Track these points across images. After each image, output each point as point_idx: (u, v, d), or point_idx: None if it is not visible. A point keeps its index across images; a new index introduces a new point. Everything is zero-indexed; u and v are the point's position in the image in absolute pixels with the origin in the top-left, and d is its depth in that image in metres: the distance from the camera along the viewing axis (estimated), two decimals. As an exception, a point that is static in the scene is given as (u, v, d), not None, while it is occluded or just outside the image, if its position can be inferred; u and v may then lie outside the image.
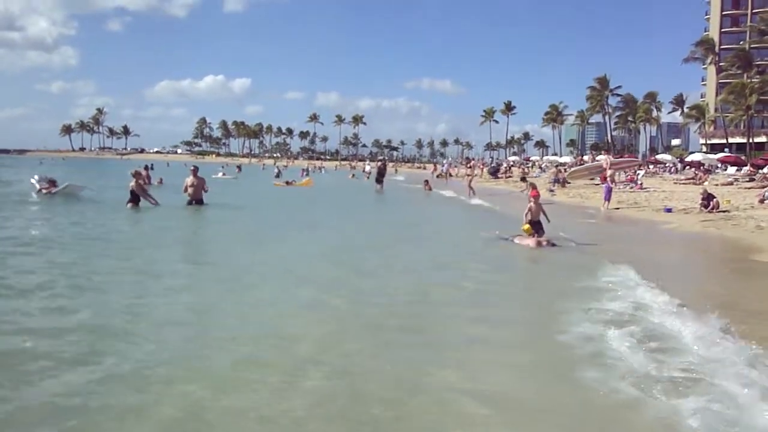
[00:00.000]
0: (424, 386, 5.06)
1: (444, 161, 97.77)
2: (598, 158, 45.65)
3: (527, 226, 13.91)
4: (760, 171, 44.16)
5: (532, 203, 14.32)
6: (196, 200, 19.96)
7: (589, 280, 9.43)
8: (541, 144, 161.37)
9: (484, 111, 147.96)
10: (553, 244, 13.30)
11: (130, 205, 18.80)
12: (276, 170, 59.37)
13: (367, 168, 67.78)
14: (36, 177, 23.95)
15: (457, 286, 9.12)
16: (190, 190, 19.98)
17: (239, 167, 72.62)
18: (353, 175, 64.29)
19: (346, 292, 8.34)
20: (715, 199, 21.53)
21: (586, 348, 6.00)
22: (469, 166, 58.51)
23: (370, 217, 22.69)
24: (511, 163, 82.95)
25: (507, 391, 5.06)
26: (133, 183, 19.20)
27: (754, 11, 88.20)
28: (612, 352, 5.81)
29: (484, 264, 11.41)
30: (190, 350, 5.77)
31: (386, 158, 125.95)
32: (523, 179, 33.94)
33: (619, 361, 5.56)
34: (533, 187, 16.16)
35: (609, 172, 33.30)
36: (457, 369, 5.50)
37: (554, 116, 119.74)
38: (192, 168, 20.90)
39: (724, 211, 20.67)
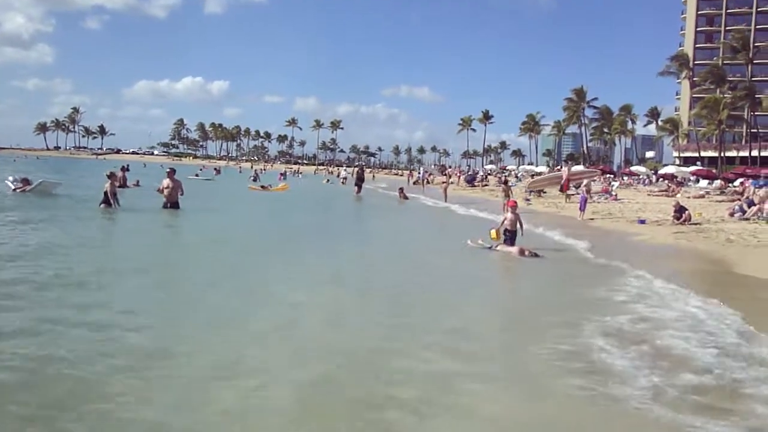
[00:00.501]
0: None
1: (420, 168, 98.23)
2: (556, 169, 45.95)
3: (494, 232, 14.15)
4: (731, 185, 45.08)
5: (509, 213, 14.50)
6: (172, 203, 19.56)
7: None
8: (517, 153, 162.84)
9: (462, 119, 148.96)
10: (536, 255, 13.46)
11: (103, 206, 18.67)
12: (253, 173, 59.14)
13: (343, 174, 67.64)
14: (10, 178, 23.98)
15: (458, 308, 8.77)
16: (165, 192, 19.61)
17: (218, 170, 72.47)
18: (328, 180, 64.21)
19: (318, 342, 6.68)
20: (687, 212, 21.93)
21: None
22: (444, 173, 58.97)
23: (350, 228, 21.94)
24: (488, 171, 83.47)
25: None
26: (108, 185, 19.01)
27: (727, 29, 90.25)
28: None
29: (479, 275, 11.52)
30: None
31: (364, 164, 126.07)
32: (506, 182, 34.24)
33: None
34: (508, 195, 16.42)
35: (585, 183, 33.70)
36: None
37: (531, 126, 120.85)
38: (168, 170, 20.51)
39: (695, 224, 21.06)
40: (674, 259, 14.93)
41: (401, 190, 38.85)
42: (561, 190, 32.85)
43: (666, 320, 8.04)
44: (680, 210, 22.05)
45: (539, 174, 66.49)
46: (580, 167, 38.71)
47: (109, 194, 18.83)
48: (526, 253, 13.37)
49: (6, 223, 14.55)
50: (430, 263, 12.82)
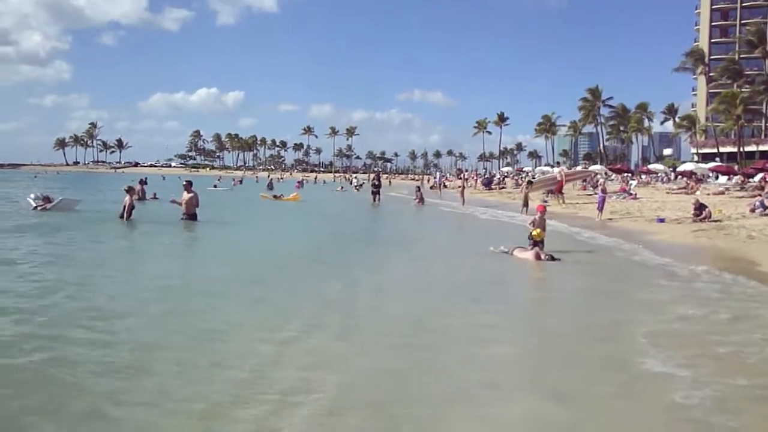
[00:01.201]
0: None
1: (437, 173, 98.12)
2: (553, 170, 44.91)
3: (537, 231, 13.71)
4: (751, 180, 44.55)
5: (537, 216, 14.28)
6: (189, 215, 19.69)
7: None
8: (534, 155, 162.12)
9: (477, 122, 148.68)
10: (552, 258, 13.25)
11: (123, 219, 18.94)
12: (268, 182, 59.23)
13: (355, 181, 67.29)
14: (32, 195, 24.32)
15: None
16: (184, 206, 19.79)
17: (241, 180, 73.11)
18: (342, 187, 64.07)
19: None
20: (707, 209, 21.74)
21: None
22: (460, 177, 58.97)
23: (373, 238, 20.66)
24: (504, 174, 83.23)
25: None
26: (127, 199, 19.25)
27: (742, 22, 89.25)
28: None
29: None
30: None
31: (380, 170, 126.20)
32: (530, 182, 34.04)
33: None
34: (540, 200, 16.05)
35: (602, 183, 33.56)
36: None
37: (547, 127, 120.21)
38: (185, 183, 20.63)
39: (716, 221, 20.87)
40: (696, 258, 14.80)
41: (418, 189, 38.44)
42: (555, 192, 32.32)
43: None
44: (700, 208, 21.88)
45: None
46: (563, 170, 37.76)
47: (127, 207, 19.08)
48: (543, 257, 13.12)
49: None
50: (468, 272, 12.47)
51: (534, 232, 13.77)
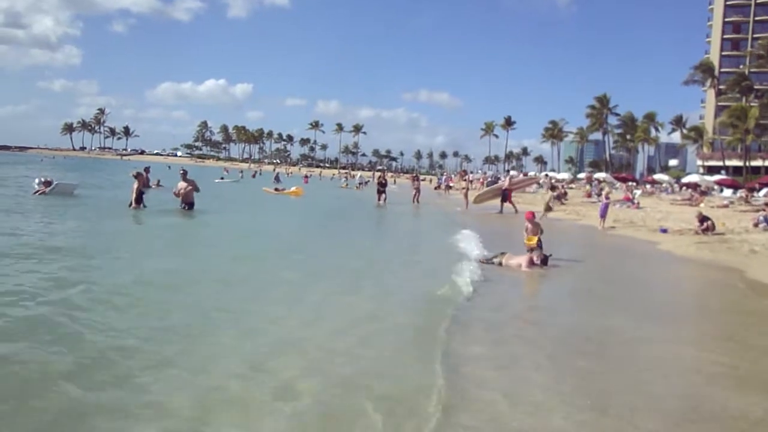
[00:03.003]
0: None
1: (442, 175, 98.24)
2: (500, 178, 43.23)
3: (529, 237, 13.73)
4: (756, 194, 44.51)
5: (528, 224, 14.17)
6: (187, 203, 19.92)
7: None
8: (539, 160, 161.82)
9: (485, 124, 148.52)
10: (545, 261, 12.91)
11: (133, 206, 19.19)
12: (275, 175, 58.67)
13: (357, 179, 66.67)
14: (36, 180, 24.76)
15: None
16: (181, 193, 19.96)
17: (254, 173, 72.94)
18: (347, 184, 63.42)
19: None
20: (709, 221, 21.80)
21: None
22: (464, 178, 58.93)
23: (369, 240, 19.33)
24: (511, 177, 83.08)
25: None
26: (135, 185, 19.41)
27: (754, 36, 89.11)
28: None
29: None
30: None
31: (385, 168, 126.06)
32: (553, 188, 33.19)
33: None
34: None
35: (606, 191, 33.48)
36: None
37: (554, 132, 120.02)
38: (181, 171, 21.01)
39: (719, 234, 20.91)
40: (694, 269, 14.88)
41: (415, 178, 38.04)
42: (504, 201, 31.44)
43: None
44: (703, 220, 21.94)
45: (561, 181, 66.39)
46: (509, 177, 36.53)
47: (134, 193, 19.24)
48: (536, 261, 12.76)
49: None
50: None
51: (526, 240, 13.86)
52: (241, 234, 17.12)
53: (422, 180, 51.49)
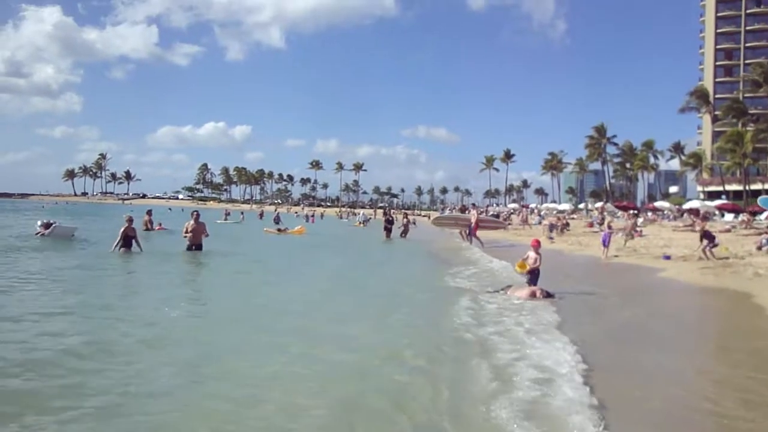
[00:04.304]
0: None
1: (444, 209, 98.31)
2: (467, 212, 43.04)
3: (527, 267, 13.42)
4: (757, 218, 44.42)
5: (532, 252, 13.91)
6: (196, 245, 19.82)
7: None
8: (540, 192, 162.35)
9: (485, 158, 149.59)
10: (548, 294, 12.76)
11: (122, 249, 18.85)
12: (275, 215, 58.35)
13: (360, 217, 66.23)
14: (39, 222, 25.37)
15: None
16: (189, 234, 19.89)
17: (261, 214, 72.94)
18: (360, 222, 62.05)
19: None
20: (715, 240, 21.84)
21: None
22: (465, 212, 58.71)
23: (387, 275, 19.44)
24: (511, 210, 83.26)
25: None
26: (122, 228, 19.21)
27: (746, 62, 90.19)
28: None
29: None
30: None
31: (387, 205, 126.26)
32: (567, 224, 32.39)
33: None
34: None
35: (609, 221, 33.49)
36: None
37: (554, 163, 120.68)
38: (193, 213, 21.02)
39: (723, 258, 20.81)
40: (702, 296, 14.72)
41: (405, 216, 38.05)
42: (469, 234, 31.61)
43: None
44: (706, 234, 21.97)
45: (561, 212, 66.41)
46: (476, 213, 36.27)
47: (120, 236, 18.96)
48: (538, 294, 12.62)
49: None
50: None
51: (517, 266, 13.73)
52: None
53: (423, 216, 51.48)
